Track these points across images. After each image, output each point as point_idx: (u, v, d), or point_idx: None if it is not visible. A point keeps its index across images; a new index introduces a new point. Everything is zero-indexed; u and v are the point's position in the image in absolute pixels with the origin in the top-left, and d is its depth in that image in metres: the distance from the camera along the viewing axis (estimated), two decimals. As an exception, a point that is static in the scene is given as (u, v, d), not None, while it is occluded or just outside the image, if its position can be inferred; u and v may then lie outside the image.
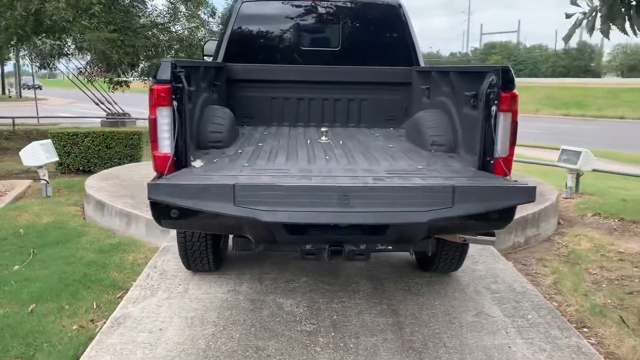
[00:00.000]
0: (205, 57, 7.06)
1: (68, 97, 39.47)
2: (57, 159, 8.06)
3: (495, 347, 3.31)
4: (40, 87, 38.35)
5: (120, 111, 17.84)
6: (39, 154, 7.41)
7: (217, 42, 5.63)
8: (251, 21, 5.33)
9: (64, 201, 7.29)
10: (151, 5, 14.28)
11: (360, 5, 5.31)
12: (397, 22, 5.28)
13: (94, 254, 5.08)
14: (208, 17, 13.97)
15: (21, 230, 5.76)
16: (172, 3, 14.37)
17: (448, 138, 3.90)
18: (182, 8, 14.38)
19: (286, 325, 3.56)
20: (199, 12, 13.40)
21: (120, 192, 6.59)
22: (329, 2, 5.26)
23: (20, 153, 7.52)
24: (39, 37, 11.64)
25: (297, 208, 2.69)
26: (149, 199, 2.75)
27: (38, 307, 3.86)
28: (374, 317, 3.69)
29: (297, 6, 5.31)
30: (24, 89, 36.46)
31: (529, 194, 2.86)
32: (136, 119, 18.64)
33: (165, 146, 3.06)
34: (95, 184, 7.03)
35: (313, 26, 5.39)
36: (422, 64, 5.32)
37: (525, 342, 3.36)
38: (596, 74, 61.39)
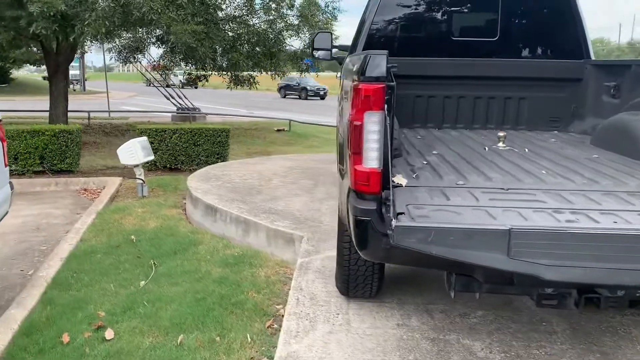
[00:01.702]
0: (316, 51, 6.49)
1: (127, 90, 39.99)
2: (153, 157, 7.65)
3: None
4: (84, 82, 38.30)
5: (190, 106, 17.58)
6: (137, 152, 7.02)
7: (355, 33, 5.03)
8: (395, 9, 4.69)
9: (163, 202, 6.87)
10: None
11: None
12: (565, 7, 4.54)
13: (220, 267, 4.57)
14: (287, 9, 13.37)
15: (132, 237, 5.33)
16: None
17: None
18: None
19: (489, 377, 2.91)
20: (279, 5, 12.81)
21: (228, 196, 6.09)
22: None
23: (117, 151, 7.14)
24: (126, 29, 11.33)
25: (590, 263, 2.01)
26: (394, 243, 2.08)
27: (186, 338, 3.34)
28: (591, 369, 3.00)
29: None
30: (76, 84, 36.66)
31: None
32: (206, 114, 18.36)
33: (373, 159, 2.45)
34: (199, 186, 6.56)
35: (466, 13, 4.71)
36: (592, 57, 4.57)
37: None
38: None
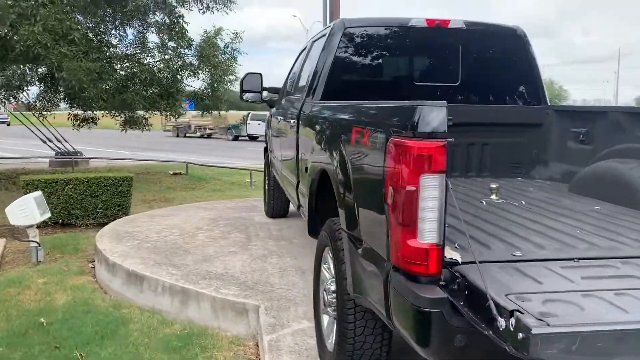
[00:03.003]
0: (245, 94, 6.00)
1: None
2: (49, 214, 6.52)
3: None
4: (8, 124, 33.86)
5: (71, 149, 15.93)
6: (32, 210, 5.93)
7: (292, 75, 4.62)
8: (355, 51, 4.34)
9: (66, 269, 5.81)
10: (119, 35, 12.71)
11: (482, 33, 4.48)
12: (523, 54, 4.49)
13: (166, 354, 3.78)
14: (184, 49, 12.67)
15: (42, 320, 4.32)
16: (140, 32, 13.03)
17: None
18: (154, 38, 13.08)
19: None
20: (178, 44, 12.10)
21: (153, 259, 5.25)
22: (447, 27, 4.36)
23: (7, 210, 5.97)
24: (4, 66, 9.93)
25: None
26: (531, 356, 1.53)
27: None
28: None
29: (408, 33, 4.38)
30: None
31: None
32: (89, 158, 16.74)
33: (432, 232, 1.98)
34: (113, 248, 5.62)
35: (428, 58, 4.49)
36: (548, 102, 4.56)
37: None
38: None
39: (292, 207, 7.14)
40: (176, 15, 11.57)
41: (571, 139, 4.10)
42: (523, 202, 3.35)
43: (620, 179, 3.42)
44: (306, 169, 3.84)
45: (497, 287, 1.81)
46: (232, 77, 12.79)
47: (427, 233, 1.96)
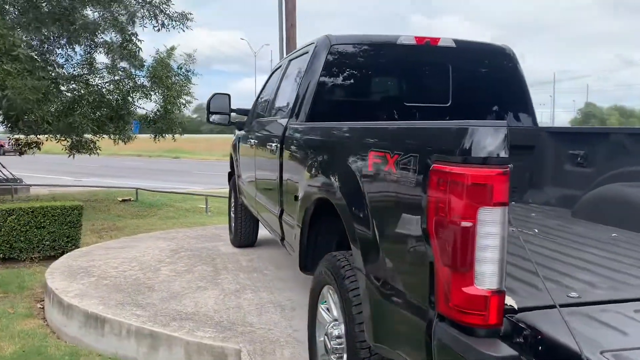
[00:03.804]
0: (211, 115, 5.64)
1: None
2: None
3: None
4: None
5: (10, 176, 14.90)
6: (-29, 246, 5.26)
7: (265, 95, 4.32)
8: (342, 70, 4.06)
9: (11, 311, 5.19)
10: (66, 55, 12.03)
11: (472, 52, 4.30)
12: (513, 75, 4.35)
13: (137, 412, 3.29)
14: (137, 69, 12.11)
15: (-13, 376, 3.74)
16: (88, 53, 12.39)
17: None
18: (102, 58, 12.47)
19: None
20: (131, 64, 11.53)
21: (114, 298, 4.73)
22: (437, 46, 4.16)
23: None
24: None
25: None
26: None
27: None
28: None
29: (396, 51, 4.14)
30: None
31: None
32: (30, 185, 15.71)
33: (491, 276, 1.68)
34: (67, 287, 5.06)
35: (418, 79, 4.26)
36: (538, 124, 4.43)
37: None
38: None
39: (261, 235, 6.75)
40: (129, 33, 11.03)
41: (568, 161, 3.95)
42: (536, 231, 3.12)
43: (632, 203, 3.25)
44: (295, 197, 3.49)
45: (582, 341, 1.52)
46: (186, 98, 12.29)
47: (487, 277, 1.66)
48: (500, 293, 1.67)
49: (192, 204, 14.12)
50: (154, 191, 15.26)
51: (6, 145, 26.35)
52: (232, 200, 6.76)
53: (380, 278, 2.24)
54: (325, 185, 2.86)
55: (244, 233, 6.49)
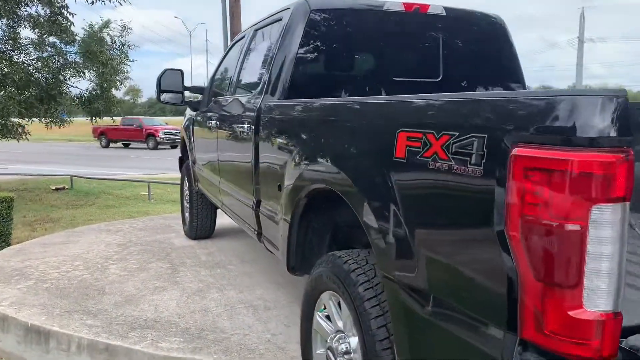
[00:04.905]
0: (162, 94, 5.05)
1: None
2: None
3: None
4: None
5: None
6: None
7: (222, 69, 3.79)
8: (324, 39, 3.57)
9: None
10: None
11: (464, 21, 3.92)
12: (505, 44, 4.01)
13: None
14: (65, 45, 11.08)
15: None
16: (11, 27, 11.22)
17: None
18: (27, 33, 11.35)
19: None
20: (61, 39, 10.51)
21: (58, 305, 4.10)
22: (426, 13, 3.74)
23: None
24: None
25: None
26: None
27: None
28: None
29: (383, 17, 3.69)
30: None
31: None
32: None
33: (607, 294, 1.28)
34: (0, 294, 4.35)
35: (407, 53, 3.83)
36: None
37: None
38: None
39: (219, 225, 6.21)
40: (58, 5, 10.00)
41: None
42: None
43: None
44: (279, 186, 3.01)
45: None
46: (125, 75, 11.41)
47: (601, 296, 1.27)
48: (617, 316, 1.28)
49: (132, 191, 13.26)
50: (90, 178, 14.23)
51: None
52: (186, 188, 6.16)
53: (417, 289, 1.81)
54: (327, 174, 2.40)
55: (201, 224, 5.92)
